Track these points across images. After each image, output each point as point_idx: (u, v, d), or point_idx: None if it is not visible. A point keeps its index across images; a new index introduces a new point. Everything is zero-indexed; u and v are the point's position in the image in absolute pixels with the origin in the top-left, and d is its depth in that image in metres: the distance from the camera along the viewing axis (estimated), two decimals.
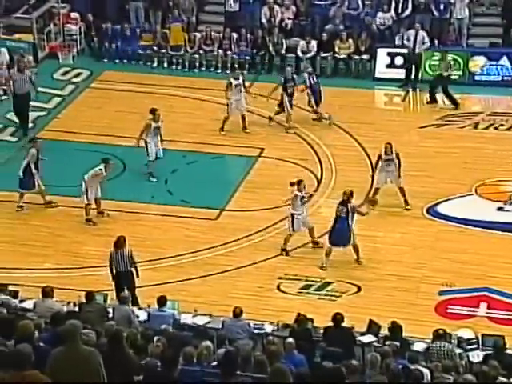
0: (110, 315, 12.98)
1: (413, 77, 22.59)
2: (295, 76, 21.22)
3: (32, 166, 17.74)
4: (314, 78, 20.93)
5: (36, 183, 17.82)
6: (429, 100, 21.81)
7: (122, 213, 17.78)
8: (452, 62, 21.97)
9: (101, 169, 17.60)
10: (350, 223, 15.93)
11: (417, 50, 22.62)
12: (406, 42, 22.84)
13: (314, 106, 20.95)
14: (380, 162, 17.76)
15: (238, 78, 20.69)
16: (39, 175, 17.77)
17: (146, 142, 18.68)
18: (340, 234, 15.98)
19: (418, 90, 22.13)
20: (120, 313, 12.99)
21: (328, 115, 20.91)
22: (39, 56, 24.13)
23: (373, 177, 18.18)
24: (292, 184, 16.67)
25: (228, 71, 23.35)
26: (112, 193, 18.05)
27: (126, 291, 13.89)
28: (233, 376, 9.33)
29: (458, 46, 23.49)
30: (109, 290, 14.57)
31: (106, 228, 17.28)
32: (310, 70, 21.58)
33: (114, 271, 14.73)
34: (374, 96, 22.98)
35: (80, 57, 24.61)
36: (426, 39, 22.79)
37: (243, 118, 20.67)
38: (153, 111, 18.83)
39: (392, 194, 18.17)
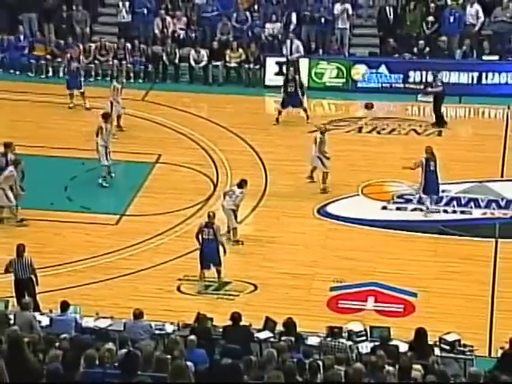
0: (12, 321, 12.63)
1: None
2: (296, 77, 21.44)
3: None
4: None
5: None
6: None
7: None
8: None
9: (11, 170, 17.14)
10: (217, 244, 15.50)
11: (291, 58, 22.95)
12: (284, 51, 23.16)
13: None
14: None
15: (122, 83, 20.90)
16: None
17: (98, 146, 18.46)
18: (210, 256, 15.56)
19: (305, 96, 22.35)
20: (21, 319, 12.66)
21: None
22: None
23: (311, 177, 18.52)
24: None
25: (124, 80, 23.07)
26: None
27: (27, 297, 13.58)
28: (133, 376, 9.22)
29: (341, 55, 23.94)
30: (9, 297, 14.18)
31: (4, 236, 16.81)
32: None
33: (14, 278, 14.42)
34: (265, 102, 23.14)
35: None
36: (300, 48, 23.18)
37: (119, 117, 20.61)
38: (105, 116, 18.74)
39: (284, 195, 18.35)
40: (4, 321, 12.45)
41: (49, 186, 18.51)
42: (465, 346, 12.88)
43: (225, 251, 15.74)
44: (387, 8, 24.13)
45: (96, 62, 23.81)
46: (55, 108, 21.65)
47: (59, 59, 23.72)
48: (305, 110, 21.36)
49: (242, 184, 17.02)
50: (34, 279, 14.48)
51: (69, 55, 22.78)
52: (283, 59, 23.34)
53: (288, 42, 23.24)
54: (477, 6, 23.61)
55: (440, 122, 21.37)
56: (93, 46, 24.00)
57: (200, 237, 15.60)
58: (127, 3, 24.42)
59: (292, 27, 24.15)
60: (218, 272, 15.72)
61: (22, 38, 24.16)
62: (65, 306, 13.15)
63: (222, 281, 15.75)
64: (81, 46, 23.87)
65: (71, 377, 9.19)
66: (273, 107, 22.82)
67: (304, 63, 23.19)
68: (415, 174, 17.92)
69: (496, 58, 23.17)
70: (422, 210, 17.86)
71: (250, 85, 23.56)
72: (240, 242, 16.90)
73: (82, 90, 21.96)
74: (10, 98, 22.46)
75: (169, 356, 9.99)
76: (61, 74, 23.62)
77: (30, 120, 21.18)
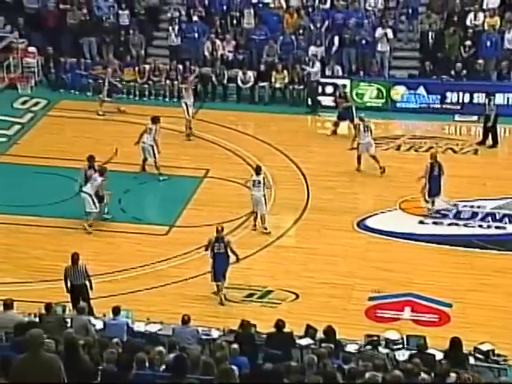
0: (68, 325, 12.78)
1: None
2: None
3: None
4: None
5: None
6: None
7: (76, 230, 17.59)
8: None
9: (100, 178, 17.59)
10: (228, 257, 15.33)
11: (312, 78, 23.03)
12: (308, 69, 23.13)
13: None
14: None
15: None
16: None
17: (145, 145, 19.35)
18: (220, 270, 15.38)
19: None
20: (78, 322, 12.80)
21: None
22: None
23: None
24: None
25: (175, 99, 23.37)
26: (68, 212, 17.92)
27: (82, 302, 13.74)
28: (182, 378, 9.27)
29: (381, 76, 23.89)
30: (67, 302, 14.37)
31: (61, 244, 17.04)
32: None
33: (70, 285, 14.61)
34: (308, 121, 23.16)
35: (38, 87, 24.42)
36: (319, 67, 23.18)
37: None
38: (154, 119, 19.57)
39: (325, 209, 18.32)
40: (62, 324, 12.62)
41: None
42: (499, 355, 12.73)
43: (237, 259, 15.62)
44: (428, 32, 24.05)
45: (150, 82, 24.08)
46: (112, 125, 21.92)
47: (117, 79, 23.97)
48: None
49: (258, 170, 17.64)
50: (88, 285, 14.64)
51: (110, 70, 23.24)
52: (326, 80, 23.32)
53: (310, 63, 23.25)
54: None
55: (493, 140, 21.12)
56: (147, 67, 24.28)
57: (212, 251, 15.40)
58: (176, 27, 24.67)
59: (334, 50, 24.19)
60: (217, 286, 15.43)
61: (82, 60, 24.55)
62: (116, 311, 13.26)
63: (265, 290, 15.75)
64: (136, 68, 24.21)
65: (124, 378, 9.28)
66: (315, 126, 22.89)
67: (346, 84, 23.16)
68: (452, 191, 17.83)
69: None
70: (429, 210, 17.96)
71: (293, 104, 23.60)
72: (268, 231, 17.11)
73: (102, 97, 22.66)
74: (71, 115, 22.78)
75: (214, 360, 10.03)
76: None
77: (89, 136, 21.48)
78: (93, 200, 17.53)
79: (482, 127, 21.36)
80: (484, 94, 22.26)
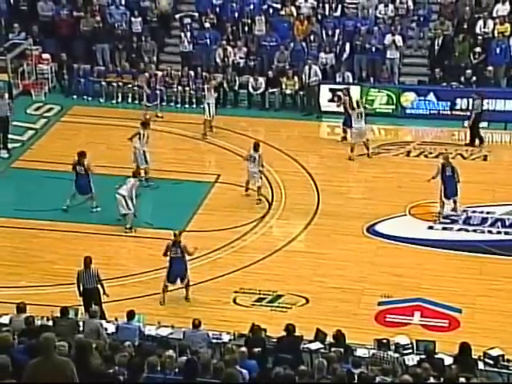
0: (81, 328, 12.81)
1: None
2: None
3: None
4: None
5: None
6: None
7: (89, 234, 17.64)
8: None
9: (135, 180, 17.85)
10: (185, 261, 15.41)
11: (310, 83, 22.97)
12: (303, 76, 23.13)
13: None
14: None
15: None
16: None
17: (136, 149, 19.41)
18: (178, 273, 15.43)
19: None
20: (89, 326, 12.84)
21: None
22: (14, 93, 23.91)
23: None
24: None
25: (186, 105, 23.41)
26: (82, 216, 18.05)
27: (94, 306, 13.75)
28: (193, 382, 9.26)
29: (391, 83, 23.85)
30: (79, 305, 14.38)
31: (73, 248, 17.07)
32: None
33: (82, 288, 14.63)
34: (318, 127, 23.14)
35: (51, 93, 24.49)
36: (318, 73, 23.16)
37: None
38: (144, 123, 19.66)
39: (335, 214, 18.30)
40: (75, 327, 12.64)
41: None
42: (508, 361, 12.67)
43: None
44: (437, 39, 24.01)
45: (162, 88, 24.12)
46: (123, 130, 21.95)
47: (129, 85, 24.08)
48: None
49: (256, 147, 18.59)
50: (101, 289, 14.66)
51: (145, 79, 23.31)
52: (336, 86, 23.32)
53: (306, 67, 23.22)
54: None
55: (475, 140, 21.24)
56: (159, 73, 24.33)
57: (168, 255, 15.48)
58: (188, 34, 24.72)
59: (345, 56, 24.18)
60: (186, 288, 15.48)
61: (95, 66, 24.62)
62: (131, 315, 13.27)
63: (275, 294, 15.74)
64: (146, 74, 24.26)
65: (136, 381, 9.28)
66: (325, 131, 22.89)
67: (356, 90, 23.15)
68: (461, 196, 17.81)
69: None
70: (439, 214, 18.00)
71: (304, 110, 23.59)
72: (260, 199, 18.41)
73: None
74: (83, 121, 22.83)
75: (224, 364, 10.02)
76: (129, 100, 24.01)
77: (101, 142, 21.53)
78: (126, 202, 17.58)
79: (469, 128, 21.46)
80: (494, 101, 22.25)
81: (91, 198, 18.34)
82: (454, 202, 18.13)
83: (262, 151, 19.12)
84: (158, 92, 23.24)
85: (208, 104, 21.81)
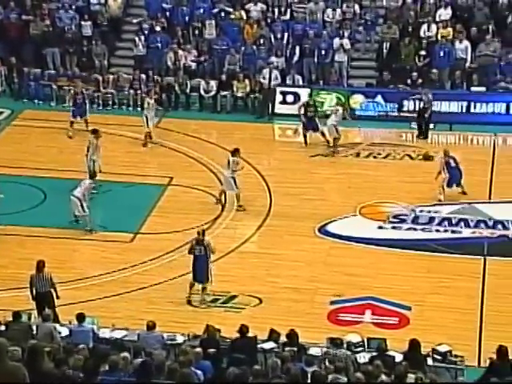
0: (34, 332, 12.62)
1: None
2: (316, 103, 22.15)
3: None
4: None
5: None
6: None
7: (46, 238, 17.39)
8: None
9: (90, 182, 17.76)
10: (208, 260, 15.39)
11: (271, 86, 23.15)
12: (261, 79, 23.28)
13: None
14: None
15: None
16: None
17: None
18: (200, 271, 15.44)
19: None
20: (43, 329, 12.67)
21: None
22: None
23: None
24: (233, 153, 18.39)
25: (138, 109, 23.27)
26: (34, 220, 17.78)
27: (47, 310, 13.57)
28: (147, 383, 9.20)
29: (340, 85, 24.02)
30: (32, 310, 14.18)
31: (25, 252, 16.82)
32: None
33: (35, 292, 14.44)
34: (270, 129, 23.18)
35: (1, 97, 24.12)
36: (278, 76, 23.30)
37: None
38: (94, 131, 19.36)
39: (288, 215, 18.35)
40: (27, 331, 12.45)
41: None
42: (456, 356, 12.83)
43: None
44: (385, 43, 24.26)
45: (113, 91, 23.92)
46: (75, 135, 21.72)
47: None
48: (322, 135, 21.36)
49: (234, 153, 18.40)
50: (54, 293, 14.47)
51: (73, 90, 22.79)
52: (287, 89, 23.41)
53: (266, 70, 23.33)
54: (466, 42, 23.77)
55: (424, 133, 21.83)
56: (111, 77, 24.13)
57: (193, 253, 15.47)
58: (143, 37, 24.58)
59: (295, 60, 24.29)
60: (203, 289, 15.52)
61: (45, 70, 24.30)
62: (81, 318, 13.14)
63: (229, 295, 15.72)
64: (99, 77, 24.04)
65: (90, 382, 9.18)
66: (277, 134, 22.95)
67: (305, 93, 23.26)
68: (409, 196, 18.00)
69: (483, 89, 23.26)
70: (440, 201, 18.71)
71: (255, 113, 23.62)
72: (242, 207, 18.20)
73: (86, 118, 22.00)
74: (34, 125, 22.56)
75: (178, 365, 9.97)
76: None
77: (53, 146, 21.26)
78: (81, 204, 17.36)
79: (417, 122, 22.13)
80: (439, 102, 22.60)
81: None
82: (461, 186, 18.80)
83: (216, 154, 19.06)
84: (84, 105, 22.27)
85: (146, 116, 21.32)
